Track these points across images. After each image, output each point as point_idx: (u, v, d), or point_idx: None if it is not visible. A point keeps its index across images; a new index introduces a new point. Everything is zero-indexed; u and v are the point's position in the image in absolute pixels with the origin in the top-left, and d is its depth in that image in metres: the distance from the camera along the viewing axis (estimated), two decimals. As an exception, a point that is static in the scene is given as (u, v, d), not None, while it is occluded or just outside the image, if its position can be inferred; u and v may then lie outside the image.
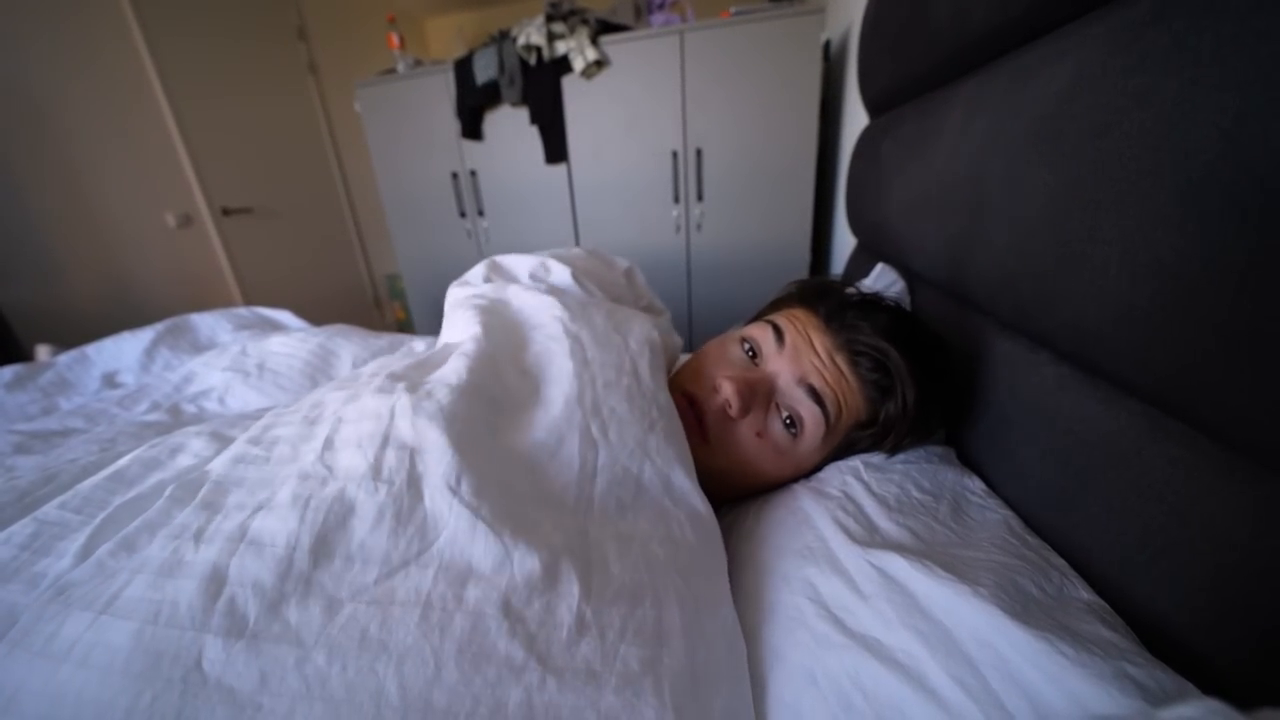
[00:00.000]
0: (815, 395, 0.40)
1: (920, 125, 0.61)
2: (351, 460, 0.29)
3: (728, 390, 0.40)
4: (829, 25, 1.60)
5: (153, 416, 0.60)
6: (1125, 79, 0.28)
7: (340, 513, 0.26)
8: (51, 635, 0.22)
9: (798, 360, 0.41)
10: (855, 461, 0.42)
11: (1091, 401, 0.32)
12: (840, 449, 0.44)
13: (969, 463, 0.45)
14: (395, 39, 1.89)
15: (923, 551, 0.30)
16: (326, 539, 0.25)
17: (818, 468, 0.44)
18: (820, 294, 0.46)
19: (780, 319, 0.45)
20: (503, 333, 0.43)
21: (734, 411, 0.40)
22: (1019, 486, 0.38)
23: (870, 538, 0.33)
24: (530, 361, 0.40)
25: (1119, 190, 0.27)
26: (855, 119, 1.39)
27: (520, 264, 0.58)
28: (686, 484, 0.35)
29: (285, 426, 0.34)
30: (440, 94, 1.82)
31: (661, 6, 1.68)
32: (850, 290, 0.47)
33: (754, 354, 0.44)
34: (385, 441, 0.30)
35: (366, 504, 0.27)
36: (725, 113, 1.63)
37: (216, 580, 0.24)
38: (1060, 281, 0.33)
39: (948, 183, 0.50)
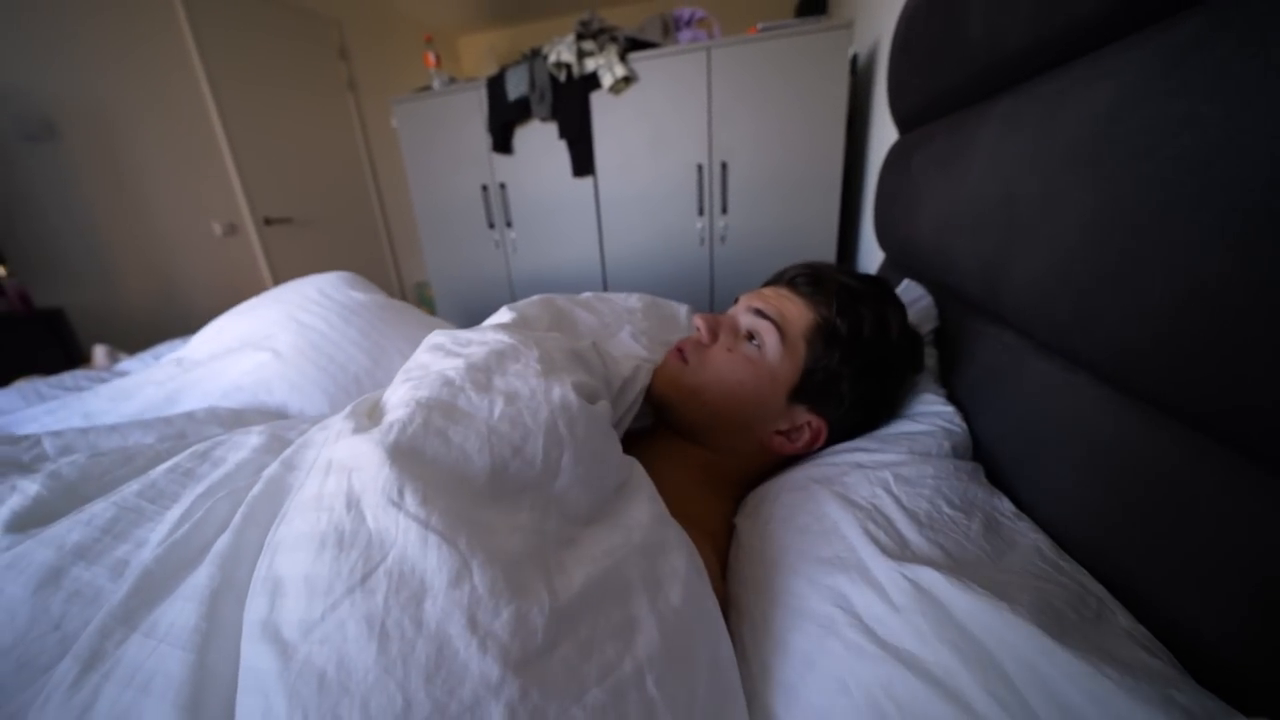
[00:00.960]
0: (761, 313, 0.49)
1: (952, 142, 0.62)
2: (304, 493, 0.29)
3: (698, 321, 0.51)
4: (856, 39, 1.60)
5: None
6: (1168, 103, 0.28)
7: (289, 547, 0.26)
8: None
9: (748, 299, 0.52)
10: (885, 474, 0.42)
11: (1132, 424, 0.32)
12: (810, 359, 0.47)
13: (999, 482, 0.44)
14: (431, 58, 1.96)
15: (955, 569, 0.30)
16: (279, 578, 0.25)
17: (802, 399, 0.48)
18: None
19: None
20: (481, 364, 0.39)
21: (704, 337, 0.50)
22: (1054, 508, 0.38)
23: (902, 551, 0.32)
24: (499, 381, 0.37)
25: (1161, 214, 0.28)
26: (883, 132, 1.38)
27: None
28: (623, 477, 0.37)
29: (312, 448, 0.36)
30: (473, 110, 1.89)
31: (689, 24, 1.71)
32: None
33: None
34: (326, 469, 0.29)
35: (309, 535, 0.26)
36: (751, 127, 1.65)
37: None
38: (1100, 302, 0.33)
39: (981, 200, 0.50)
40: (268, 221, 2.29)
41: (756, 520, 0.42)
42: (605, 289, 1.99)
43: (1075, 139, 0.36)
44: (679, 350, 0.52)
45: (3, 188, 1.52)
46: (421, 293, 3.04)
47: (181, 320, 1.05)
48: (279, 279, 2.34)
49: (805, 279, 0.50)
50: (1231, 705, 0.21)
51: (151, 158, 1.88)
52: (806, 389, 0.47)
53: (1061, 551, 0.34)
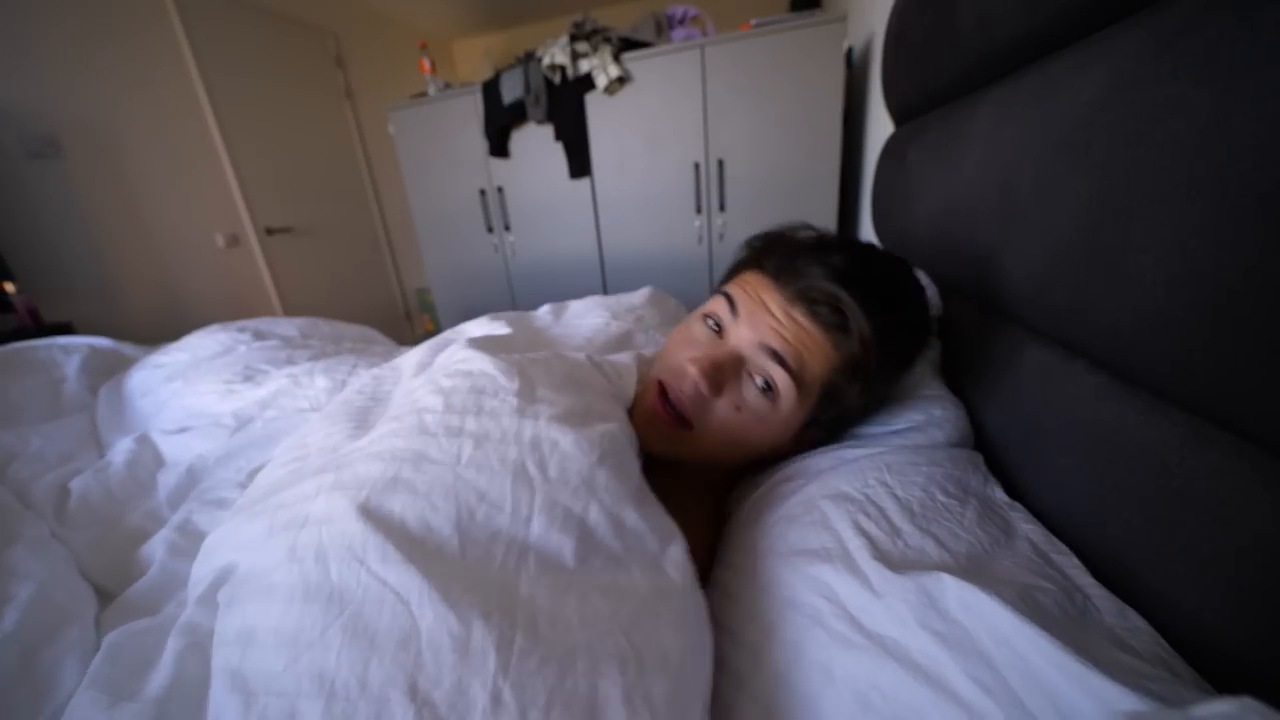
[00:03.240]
0: (777, 357, 0.39)
1: (947, 133, 0.61)
2: (277, 544, 0.29)
3: (694, 373, 0.40)
4: (851, 33, 1.60)
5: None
6: (1157, 88, 0.28)
7: (263, 598, 0.27)
8: None
9: (754, 326, 0.41)
10: (879, 463, 0.42)
11: (1131, 410, 0.32)
12: (825, 401, 0.42)
13: (998, 471, 0.44)
14: (426, 64, 1.97)
15: (947, 563, 0.30)
16: (253, 629, 0.26)
17: (811, 428, 0.44)
18: (767, 248, 0.45)
19: (732, 287, 0.44)
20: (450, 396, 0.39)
21: (706, 391, 0.40)
22: (1053, 496, 0.38)
23: (893, 543, 0.32)
24: (459, 418, 0.36)
25: (1153, 199, 0.27)
26: (879, 124, 1.38)
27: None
28: (641, 524, 0.32)
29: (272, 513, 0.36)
30: (469, 114, 1.89)
31: (682, 22, 1.71)
32: (801, 236, 0.45)
33: (719, 328, 0.44)
34: (304, 522, 0.29)
35: (282, 586, 0.26)
36: (747, 123, 1.65)
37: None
38: (1095, 290, 0.33)
39: (976, 190, 0.50)
40: (269, 231, 2.30)
41: (745, 506, 0.43)
42: (605, 290, 1.99)
43: (1067, 126, 0.36)
44: (677, 410, 0.42)
45: (9, 205, 1.53)
46: (423, 298, 3.06)
47: (186, 332, 1.07)
48: (281, 288, 2.35)
49: (828, 308, 0.39)
50: (1228, 690, 0.21)
51: (153, 172, 1.90)
52: (818, 422, 0.44)
53: (1054, 543, 0.34)
